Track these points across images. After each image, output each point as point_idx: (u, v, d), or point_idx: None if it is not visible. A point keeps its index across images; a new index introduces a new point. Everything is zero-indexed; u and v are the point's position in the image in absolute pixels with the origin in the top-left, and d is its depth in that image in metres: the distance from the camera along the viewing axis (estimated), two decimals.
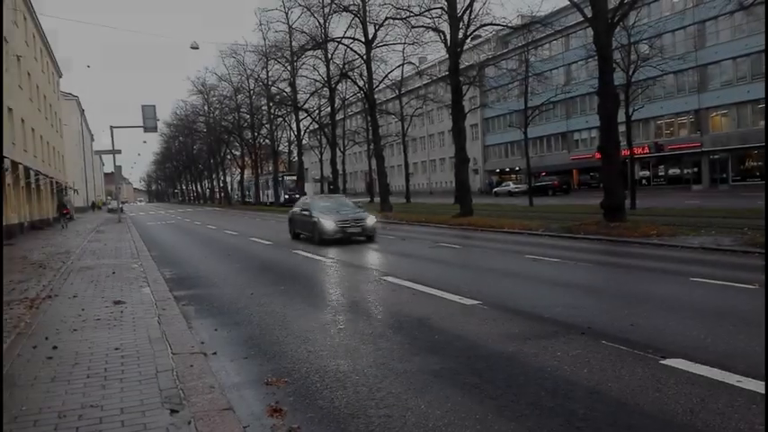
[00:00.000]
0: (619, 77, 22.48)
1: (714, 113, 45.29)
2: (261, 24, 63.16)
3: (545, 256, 12.08)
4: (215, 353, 5.75)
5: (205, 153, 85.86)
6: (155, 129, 38.22)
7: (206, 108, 74.45)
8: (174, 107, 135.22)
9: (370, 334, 6.28)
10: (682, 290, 8.09)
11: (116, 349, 5.69)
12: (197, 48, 36.51)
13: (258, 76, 56.87)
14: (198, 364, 5.15)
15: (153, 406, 4.14)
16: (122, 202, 59.90)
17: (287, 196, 55.54)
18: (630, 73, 25.23)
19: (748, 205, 24.14)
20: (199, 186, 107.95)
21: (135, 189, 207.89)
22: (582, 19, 19.96)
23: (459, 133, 26.05)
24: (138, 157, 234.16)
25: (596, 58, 18.28)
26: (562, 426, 3.72)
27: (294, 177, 58.47)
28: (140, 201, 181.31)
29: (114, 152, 38.06)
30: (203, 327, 7.02)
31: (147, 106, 35.30)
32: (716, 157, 44.86)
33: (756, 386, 4.17)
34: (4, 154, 21.09)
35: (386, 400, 4.30)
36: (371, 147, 47.64)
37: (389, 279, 9.82)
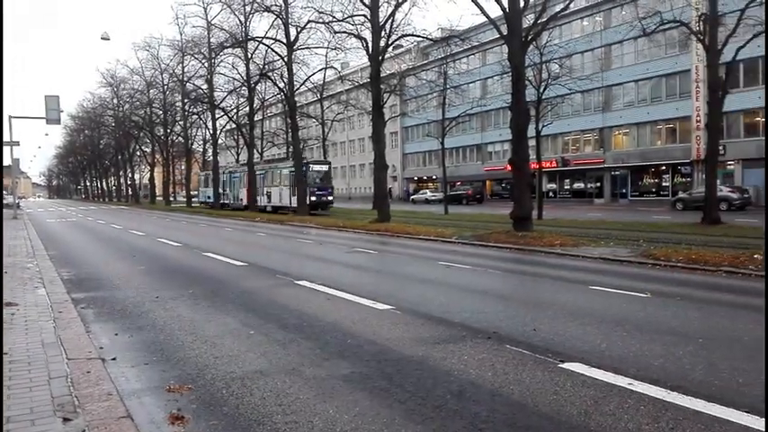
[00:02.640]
0: (530, 94, 23.54)
1: (616, 132, 48.30)
2: (177, 18, 61.24)
3: (457, 263, 12.40)
4: (114, 358, 5.48)
5: (112, 148, 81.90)
6: (58, 121, 35.87)
7: (115, 101, 71.01)
8: (81, 99, 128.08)
9: (281, 339, 6.20)
10: (581, 297, 8.55)
11: (4, 354, 5.30)
12: (108, 39, 34.84)
13: (173, 71, 55.00)
14: (95, 370, 4.90)
15: (44, 414, 3.89)
16: (19, 198, 56.03)
17: (314, 198, 37.26)
18: (541, 90, 26.48)
19: (644, 219, 25.92)
20: (104, 183, 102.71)
21: (34, 184, 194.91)
22: (498, 36, 20.72)
23: (378, 140, 26.32)
24: (39, 150, 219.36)
25: (510, 74, 19.03)
26: (465, 428, 3.83)
27: (325, 168, 40.45)
28: (39, 196, 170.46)
29: (12, 144, 35.49)
30: (103, 331, 6.67)
31: (50, 97, 33.07)
32: (617, 173, 47.84)
33: (645, 389, 4.45)
34: None
35: (293, 405, 4.26)
36: (290, 149, 47.08)
37: (303, 283, 9.74)
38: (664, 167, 44.42)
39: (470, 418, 3.97)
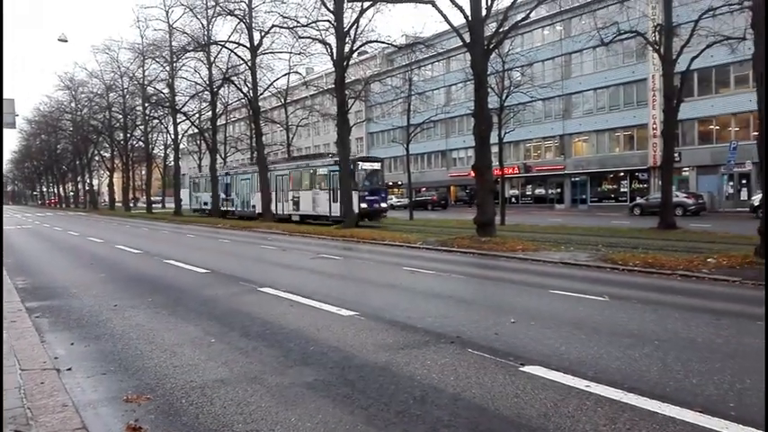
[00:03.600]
0: (493, 101, 23.84)
1: (576, 139, 49.38)
2: (138, 21, 60.28)
3: (421, 269, 12.45)
4: (70, 368, 5.33)
5: (70, 153, 79.78)
6: (13, 125, 34.75)
7: (73, 105, 69.17)
8: (37, 103, 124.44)
9: (243, 347, 6.12)
10: (542, 301, 8.68)
11: None
12: (66, 41, 34.02)
13: (133, 74, 53.95)
14: (50, 380, 4.76)
15: None
16: None
17: (364, 205, 29.48)
18: (504, 97, 26.90)
19: (603, 224, 26.50)
20: (62, 189, 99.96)
21: None
22: (461, 43, 20.95)
23: (343, 146, 26.30)
24: None
25: (473, 81, 19.25)
26: None
27: (377, 166, 31.95)
28: None
29: None
30: (58, 341, 6.48)
31: (4, 100, 32.11)
32: (577, 179, 48.89)
33: (603, 391, 4.55)
34: None
35: (255, 414, 4.21)
36: (255, 154, 46.59)
37: (267, 290, 9.64)
38: (622, 174, 45.55)
39: (432, 423, 3.99)
